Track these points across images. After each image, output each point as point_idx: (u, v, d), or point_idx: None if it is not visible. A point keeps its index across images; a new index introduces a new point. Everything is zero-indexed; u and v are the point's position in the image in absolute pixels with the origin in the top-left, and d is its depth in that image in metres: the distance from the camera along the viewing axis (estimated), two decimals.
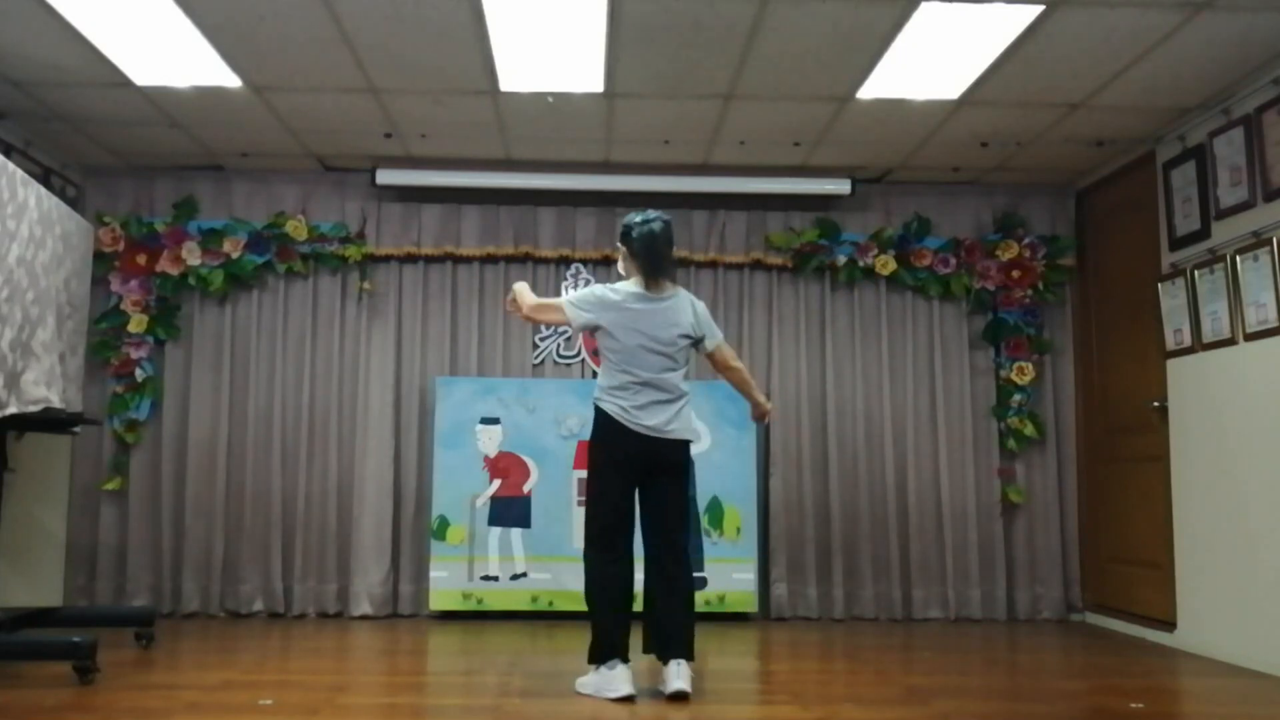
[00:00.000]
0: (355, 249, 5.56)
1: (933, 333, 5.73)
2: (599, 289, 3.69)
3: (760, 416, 3.96)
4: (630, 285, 3.67)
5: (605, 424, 3.59)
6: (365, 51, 4.12)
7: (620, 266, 3.80)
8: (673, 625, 3.50)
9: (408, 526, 5.49)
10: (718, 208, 5.70)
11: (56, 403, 4.30)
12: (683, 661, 3.45)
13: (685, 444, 3.65)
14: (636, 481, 3.59)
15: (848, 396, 5.66)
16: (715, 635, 4.92)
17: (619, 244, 3.75)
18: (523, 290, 3.76)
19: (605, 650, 3.49)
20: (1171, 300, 4.80)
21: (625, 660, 3.47)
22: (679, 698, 3.38)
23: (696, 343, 3.71)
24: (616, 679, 3.43)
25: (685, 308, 3.68)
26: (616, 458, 3.57)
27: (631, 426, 3.54)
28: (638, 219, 3.66)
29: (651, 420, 3.54)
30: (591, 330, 3.68)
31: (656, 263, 3.63)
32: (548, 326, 5.55)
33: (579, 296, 3.69)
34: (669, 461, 3.59)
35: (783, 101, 4.61)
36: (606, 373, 3.64)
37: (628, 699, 3.40)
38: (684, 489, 3.66)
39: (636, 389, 3.56)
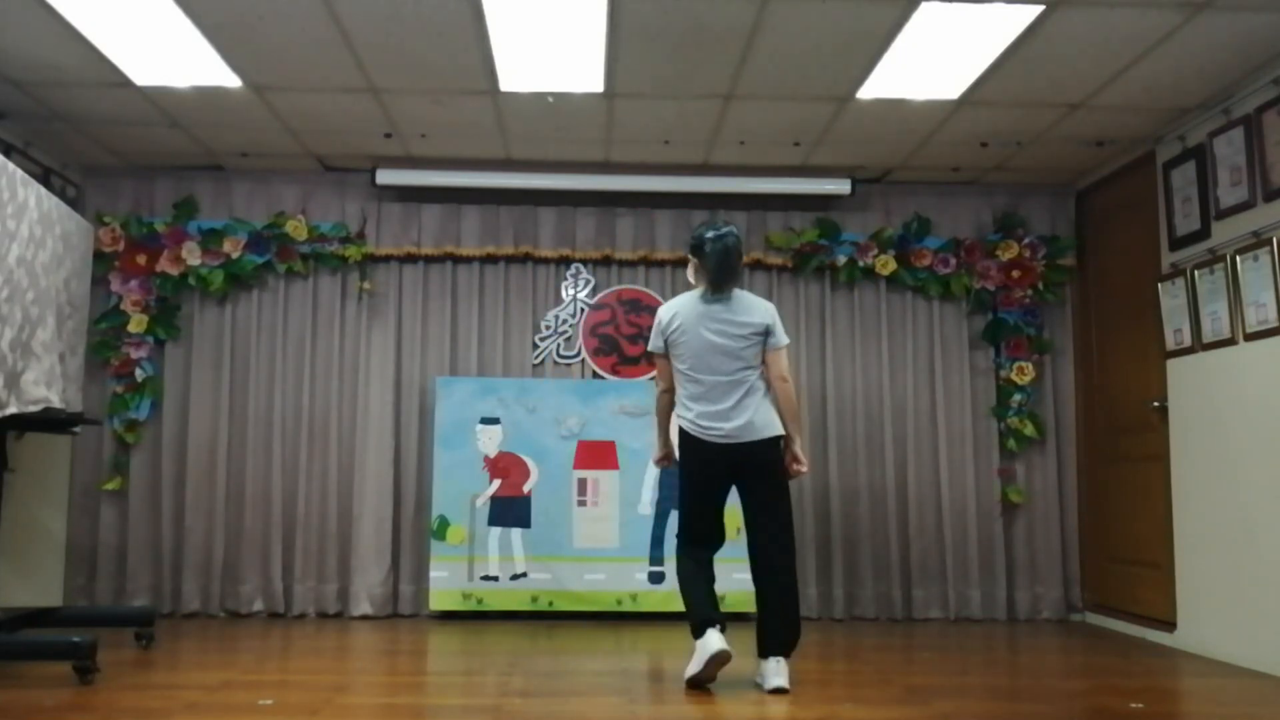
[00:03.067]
0: (355, 249, 5.56)
1: (933, 333, 5.73)
2: (660, 317, 3.80)
3: (791, 468, 3.77)
4: (693, 294, 3.79)
5: (682, 436, 3.73)
6: (365, 51, 4.12)
7: (690, 275, 3.88)
8: (774, 622, 3.65)
9: (408, 526, 5.49)
10: (718, 208, 5.69)
11: (56, 403, 4.30)
12: (781, 659, 3.61)
13: (771, 442, 3.67)
14: (721, 486, 3.73)
15: (848, 396, 5.66)
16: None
17: (689, 254, 3.82)
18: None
19: (698, 625, 3.65)
20: (1171, 300, 4.80)
21: (714, 625, 3.62)
22: (778, 693, 3.54)
23: (767, 338, 3.73)
24: (708, 642, 3.58)
25: (755, 305, 3.78)
26: (692, 467, 3.73)
27: (705, 437, 3.65)
28: (710, 234, 3.73)
29: (726, 425, 3.63)
30: (667, 355, 3.79)
31: (728, 274, 3.72)
32: (554, 321, 5.70)
33: (652, 339, 3.84)
34: (754, 463, 3.66)
35: (783, 101, 4.61)
36: (681, 386, 3.76)
37: (720, 655, 3.55)
38: (776, 486, 3.71)
39: (708, 396, 3.66)
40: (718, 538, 3.83)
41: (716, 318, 3.69)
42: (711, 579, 3.81)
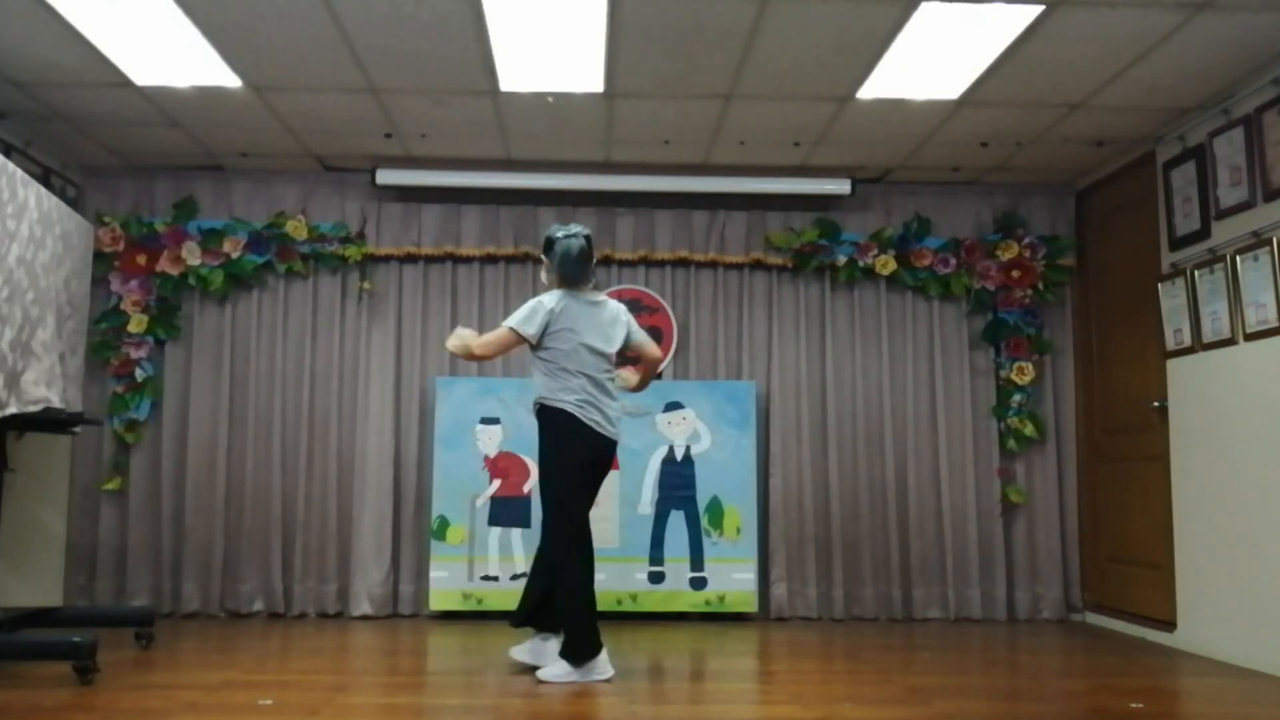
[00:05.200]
0: (355, 249, 5.56)
1: (933, 333, 5.73)
2: (533, 302, 3.85)
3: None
4: (558, 293, 3.86)
5: (568, 424, 3.73)
6: (365, 51, 4.12)
7: (544, 277, 3.99)
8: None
9: (408, 526, 5.49)
10: (718, 208, 5.70)
11: (56, 403, 4.30)
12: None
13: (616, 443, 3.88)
14: (595, 480, 3.88)
15: (848, 396, 5.66)
16: (715, 635, 4.92)
17: (543, 255, 3.97)
18: (464, 335, 3.89)
19: (592, 648, 3.74)
20: (1171, 300, 4.81)
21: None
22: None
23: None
24: (601, 664, 3.74)
25: (620, 318, 3.93)
26: (581, 457, 3.76)
27: (591, 425, 3.75)
28: (560, 233, 3.88)
29: (601, 419, 3.78)
30: (539, 338, 3.78)
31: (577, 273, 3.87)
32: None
33: (520, 316, 3.81)
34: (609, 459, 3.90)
35: (783, 101, 4.61)
36: (550, 375, 3.77)
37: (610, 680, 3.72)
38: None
39: (587, 390, 3.76)
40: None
41: (594, 320, 3.83)
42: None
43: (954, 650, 4.66)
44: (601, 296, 3.97)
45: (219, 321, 5.58)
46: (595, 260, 3.97)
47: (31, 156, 5.03)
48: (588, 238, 3.91)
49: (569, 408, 3.72)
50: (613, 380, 3.87)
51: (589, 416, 3.73)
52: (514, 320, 3.80)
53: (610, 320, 3.89)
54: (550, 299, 3.81)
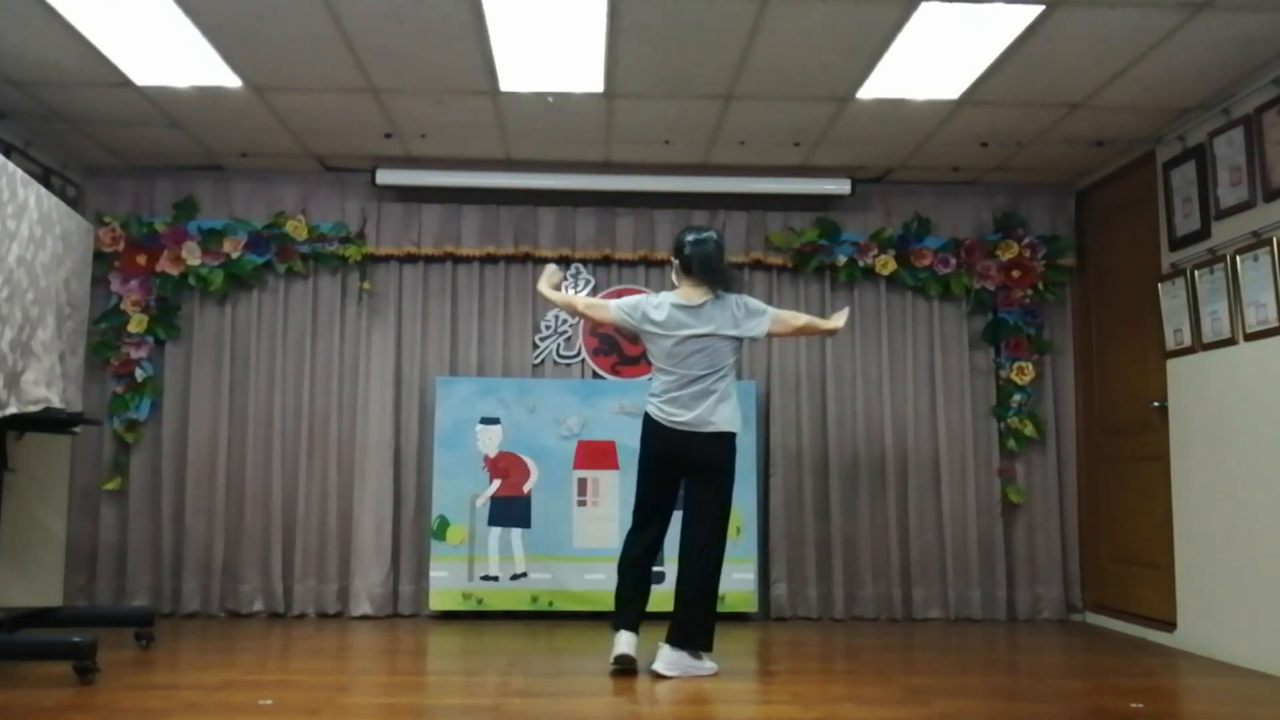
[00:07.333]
0: (355, 249, 5.56)
1: (933, 333, 5.73)
2: (642, 300, 4.06)
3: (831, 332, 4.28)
4: (671, 295, 4.00)
5: (645, 424, 3.99)
6: (365, 51, 4.12)
7: (673, 277, 4.10)
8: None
9: (408, 526, 5.49)
10: (718, 208, 5.70)
11: (56, 403, 4.30)
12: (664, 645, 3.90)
13: (721, 437, 3.92)
14: (675, 475, 3.99)
15: (848, 396, 5.66)
16: (715, 635, 4.91)
17: (672, 258, 4.07)
18: (573, 298, 4.35)
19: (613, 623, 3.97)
20: (1171, 300, 4.81)
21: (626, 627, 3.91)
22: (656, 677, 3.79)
23: (741, 340, 4.01)
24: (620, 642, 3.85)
25: (723, 311, 3.96)
26: (649, 453, 3.98)
27: (665, 423, 3.88)
28: (690, 236, 4.01)
29: (684, 416, 3.89)
30: (632, 336, 4.14)
31: (712, 276, 3.96)
32: (554, 321, 5.71)
33: (626, 303, 4.07)
34: (702, 458, 3.93)
35: (783, 101, 4.61)
36: (653, 377, 4.04)
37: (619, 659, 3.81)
38: (719, 485, 4.01)
39: (674, 389, 3.89)
40: (657, 519, 4.08)
41: (690, 321, 3.93)
42: (644, 574, 4.10)
43: (954, 650, 4.66)
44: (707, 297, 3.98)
45: (219, 321, 5.58)
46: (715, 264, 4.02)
47: (31, 156, 5.03)
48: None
49: (650, 410, 3.98)
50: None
51: (663, 414, 3.93)
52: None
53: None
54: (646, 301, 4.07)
